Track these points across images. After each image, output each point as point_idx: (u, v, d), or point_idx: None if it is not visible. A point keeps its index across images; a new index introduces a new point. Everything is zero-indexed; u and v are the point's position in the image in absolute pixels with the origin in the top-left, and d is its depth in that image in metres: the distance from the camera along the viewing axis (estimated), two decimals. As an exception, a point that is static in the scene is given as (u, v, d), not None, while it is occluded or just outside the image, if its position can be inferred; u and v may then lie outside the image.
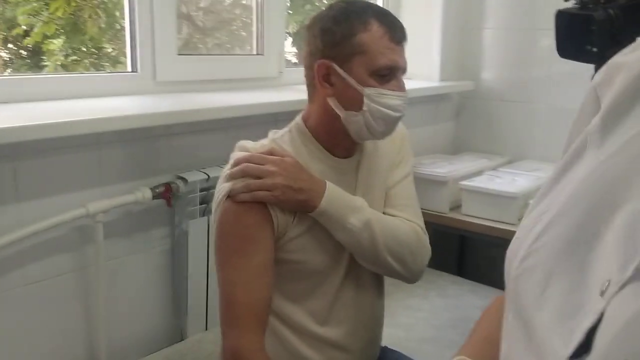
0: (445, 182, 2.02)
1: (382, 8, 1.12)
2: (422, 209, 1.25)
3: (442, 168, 2.09)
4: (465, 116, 2.58)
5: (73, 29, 1.93)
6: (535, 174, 2.10)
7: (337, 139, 1.13)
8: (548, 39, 2.32)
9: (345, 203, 1.09)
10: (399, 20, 1.10)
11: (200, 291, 1.58)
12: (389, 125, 1.10)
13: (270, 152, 1.09)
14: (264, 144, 1.13)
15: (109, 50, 1.92)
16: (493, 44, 2.46)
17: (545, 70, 2.34)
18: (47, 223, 1.26)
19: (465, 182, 2.01)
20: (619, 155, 0.46)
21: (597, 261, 0.43)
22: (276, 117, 1.73)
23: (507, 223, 1.93)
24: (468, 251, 2.53)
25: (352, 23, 1.06)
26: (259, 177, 1.04)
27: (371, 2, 1.14)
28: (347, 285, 1.16)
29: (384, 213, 1.17)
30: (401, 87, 1.09)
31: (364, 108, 1.07)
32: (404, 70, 1.10)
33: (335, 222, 1.08)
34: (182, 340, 1.58)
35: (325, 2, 2.97)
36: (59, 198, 1.31)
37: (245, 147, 1.11)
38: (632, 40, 1.17)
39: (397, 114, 1.09)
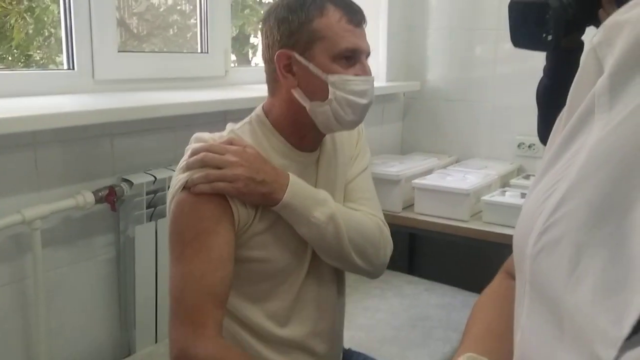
0: (397, 181, 2.01)
1: None
2: (375, 208, 1.22)
3: (393, 167, 2.07)
4: (412, 116, 2.58)
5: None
6: (484, 171, 2.12)
7: (302, 132, 1.08)
8: (490, 40, 2.38)
9: (309, 196, 1.04)
10: (355, 3, 1.07)
11: (148, 301, 1.48)
12: (357, 113, 1.06)
13: (230, 143, 1.02)
14: (222, 134, 1.07)
15: (37, 57, 1.81)
16: (438, 45, 2.48)
17: (489, 70, 2.37)
18: (-22, 231, 1.14)
19: (417, 181, 2.00)
20: (636, 115, 0.43)
21: (635, 229, 0.39)
22: (225, 116, 1.66)
23: (459, 220, 1.93)
24: (417, 250, 2.53)
25: (308, 9, 1.02)
26: (218, 168, 0.98)
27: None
28: (308, 284, 1.11)
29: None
30: (366, 71, 1.05)
31: (330, 97, 1.02)
32: (367, 53, 1.07)
33: (299, 215, 1.02)
34: (130, 354, 1.48)
35: (265, 2, 2.92)
36: (-9, 204, 1.20)
37: (203, 138, 1.05)
38: (584, 27, 1.18)
39: (365, 101, 1.05)
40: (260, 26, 1.10)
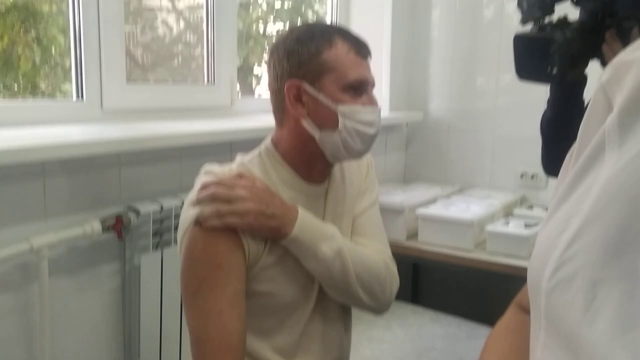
0: (401, 211, 2.01)
1: (343, 26, 1.11)
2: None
3: (397, 196, 2.08)
4: (415, 146, 2.60)
5: (5, 64, 1.84)
6: (487, 200, 2.13)
7: (311, 163, 1.09)
8: (492, 71, 2.41)
9: (317, 230, 1.04)
10: (361, 37, 1.09)
11: (153, 332, 1.47)
12: (365, 142, 1.07)
13: (240, 176, 1.03)
14: (232, 168, 1.08)
15: (42, 86, 1.83)
16: (440, 76, 2.52)
17: (491, 100, 2.40)
18: (-14, 260, 1.15)
19: (421, 210, 2.00)
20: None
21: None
22: (231, 146, 1.68)
23: (464, 250, 1.93)
24: (422, 279, 2.52)
25: (317, 41, 1.04)
26: (228, 202, 0.99)
27: (330, 22, 1.13)
28: (315, 318, 1.11)
29: (351, 241, 1.13)
30: (373, 102, 1.08)
31: (340, 126, 1.04)
32: (373, 84, 1.09)
33: (307, 250, 1.03)
34: (133, 385, 1.47)
35: (269, 35, 2.98)
36: (1, 232, 1.20)
37: (213, 171, 1.05)
38: (587, 61, 1.20)
39: (373, 130, 1.07)
40: (267, 58, 1.12)
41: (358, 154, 1.09)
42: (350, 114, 1.04)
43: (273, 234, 1.01)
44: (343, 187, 1.15)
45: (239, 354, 0.95)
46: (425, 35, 2.52)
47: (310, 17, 2.98)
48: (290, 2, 2.93)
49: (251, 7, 3.02)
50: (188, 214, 1.00)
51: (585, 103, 1.24)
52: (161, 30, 2.32)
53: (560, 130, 1.26)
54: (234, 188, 1.00)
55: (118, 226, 1.35)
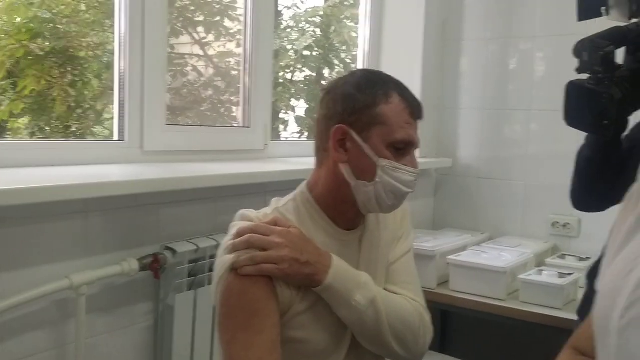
0: (433, 257, 2.00)
1: (402, 83, 1.12)
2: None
3: (428, 243, 2.07)
4: (444, 193, 2.60)
5: (40, 107, 1.91)
6: (518, 249, 2.11)
7: (342, 209, 1.10)
8: (521, 119, 2.42)
9: (351, 278, 1.04)
10: (417, 98, 1.11)
11: (184, 372, 1.47)
12: (398, 199, 1.08)
13: (275, 222, 1.04)
14: (267, 213, 1.09)
15: (74, 129, 1.89)
16: (469, 124, 2.53)
17: (519, 149, 2.40)
18: (28, 296, 1.16)
19: (453, 257, 1.99)
20: None
21: None
22: (264, 188, 1.70)
23: (495, 299, 1.90)
24: (450, 327, 2.47)
25: (375, 93, 1.05)
26: (264, 249, 1.00)
27: (390, 75, 1.14)
28: None
29: (385, 289, 1.13)
30: (415, 164, 1.09)
31: (377, 179, 1.05)
32: (417, 146, 1.10)
33: (341, 298, 1.02)
34: None
35: (297, 81, 3.04)
36: (41, 269, 1.22)
37: (248, 217, 1.07)
38: (638, 107, 1.18)
39: (408, 190, 1.08)
40: (321, 95, 1.13)
41: (389, 209, 1.10)
42: (390, 170, 1.05)
43: (307, 281, 1.01)
44: (378, 234, 1.16)
45: None
46: (454, 83, 2.55)
47: (337, 65, 3.05)
48: (318, 51, 3.01)
49: (280, 55, 3.11)
50: (223, 260, 1.01)
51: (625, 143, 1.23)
52: (192, 76, 2.40)
53: (598, 171, 1.25)
54: (269, 235, 1.01)
55: (155, 265, 1.37)
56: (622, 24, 1.16)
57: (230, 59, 2.31)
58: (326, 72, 3.09)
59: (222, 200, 1.62)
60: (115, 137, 1.59)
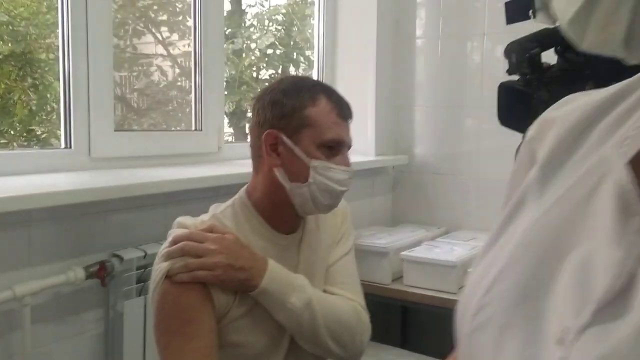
0: (386, 253, 2.03)
1: (330, 86, 1.16)
2: (364, 280, 1.24)
3: (382, 239, 2.11)
4: (401, 189, 2.64)
5: (1, 111, 1.88)
6: (471, 242, 2.15)
7: (281, 213, 1.12)
8: (474, 115, 2.47)
9: (286, 282, 1.06)
10: (345, 99, 1.14)
11: (136, 377, 1.48)
12: (334, 198, 1.11)
13: (210, 229, 1.06)
14: (204, 220, 1.11)
15: (38, 132, 1.88)
16: (424, 121, 2.58)
17: (473, 144, 2.46)
18: (-31, 308, 1.16)
19: (405, 253, 2.03)
20: (561, 204, 0.48)
21: (550, 310, 0.43)
22: (217, 192, 1.71)
23: (448, 292, 1.95)
24: (411, 322, 2.52)
25: (302, 97, 1.08)
26: (198, 256, 1.01)
27: (319, 80, 1.17)
28: None
29: (324, 290, 1.15)
30: (347, 162, 1.12)
31: (310, 180, 1.07)
32: (349, 146, 1.13)
33: (276, 301, 1.05)
34: None
35: (261, 79, 3.05)
36: (-17, 280, 1.22)
37: (184, 224, 1.09)
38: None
39: (343, 188, 1.11)
40: (252, 103, 1.16)
41: (326, 209, 1.12)
42: (322, 170, 1.07)
43: (242, 286, 1.03)
44: (317, 237, 1.18)
45: None
46: (408, 82, 2.59)
47: (302, 63, 3.06)
48: (282, 50, 3.02)
49: (244, 54, 3.11)
50: (159, 267, 1.03)
51: None
52: (156, 76, 2.39)
53: None
54: (203, 242, 1.02)
55: (101, 273, 1.37)
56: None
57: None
58: (292, 70, 3.11)
59: (172, 206, 1.62)
60: (62, 144, 1.59)
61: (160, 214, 1.60)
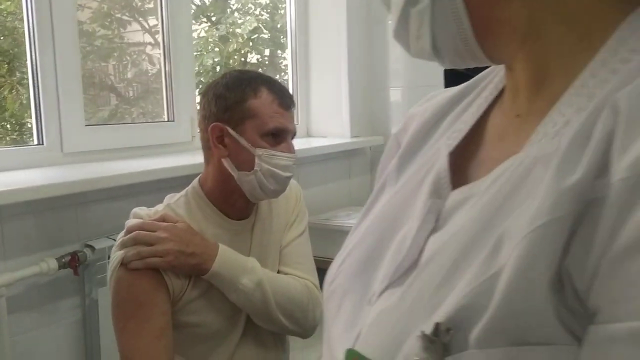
0: (358, 233, 2.09)
1: (271, 77, 1.21)
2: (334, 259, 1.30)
3: (354, 219, 2.16)
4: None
5: None
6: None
7: (232, 200, 1.18)
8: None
9: (237, 264, 1.13)
10: (287, 89, 1.20)
11: (115, 360, 1.55)
12: (280, 183, 1.17)
13: (163, 219, 1.13)
14: (158, 210, 1.17)
15: (29, 125, 1.92)
16: (399, 102, 2.62)
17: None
18: (-55, 301, 1.23)
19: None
20: (403, 189, 0.55)
21: (376, 278, 0.50)
22: (189, 180, 1.76)
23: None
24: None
25: (244, 90, 1.14)
26: (150, 244, 1.08)
27: (261, 72, 1.23)
28: (245, 345, 1.20)
29: (278, 271, 1.22)
30: (290, 149, 1.17)
31: (256, 167, 1.13)
32: (293, 133, 1.19)
33: (228, 283, 1.11)
34: (97, 414, 1.54)
35: (232, 65, 3.08)
36: (-42, 275, 1.29)
37: (139, 215, 1.15)
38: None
39: (287, 174, 1.17)
40: (200, 97, 1.22)
41: (274, 193, 1.18)
42: (267, 157, 1.13)
43: (194, 270, 1.10)
44: (270, 221, 1.24)
45: None
46: (383, 62, 2.63)
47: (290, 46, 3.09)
48: (268, 33, 3.05)
49: (229, 40, 3.15)
50: (115, 256, 1.09)
51: None
52: (144, 65, 2.43)
53: None
54: (155, 230, 1.09)
55: (73, 263, 1.44)
56: None
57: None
58: (280, 53, 3.14)
59: (144, 196, 1.68)
60: (35, 141, 1.64)
61: (133, 204, 1.65)
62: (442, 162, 0.51)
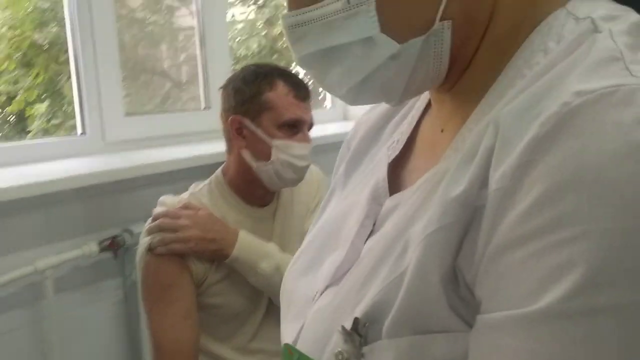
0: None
1: (287, 70, 1.25)
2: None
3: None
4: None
5: (54, 93, 2.05)
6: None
7: (252, 189, 1.24)
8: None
9: (256, 250, 1.18)
10: (303, 81, 1.23)
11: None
12: (297, 172, 1.21)
13: (186, 206, 1.19)
14: (182, 198, 1.24)
15: None
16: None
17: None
18: (-2, 282, 1.35)
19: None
20: (350, 193, 0.58)
21: (319, 278, 0.55)
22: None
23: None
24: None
25: (260, 83, 1.19)
26: (174, 231, 1.15)
27: (278, 65, 1.27)
28: (268, 323, 1.26)
29: None
30: (307, 139, 1.21)
31: (273, 158, 1.18)
32: (310, 124, 1.23)
33: (247, 268, 1.17)
34: (139, 387, 1.65)
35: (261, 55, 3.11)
36: (9, 257, 1.40)
37: (165, 202, 1.23)
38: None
39: (304, 163, 1.21)
40: (221, 91, 1.27)
41: (292, 182, 1.23)
42: (283, 148, 1.18)
43: (215, 255, 1.16)
44: (291, 207, 1.29)
45: (191, 357, 1.12)
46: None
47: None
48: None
49: (274, 22, 3.19)
50: (142, 242, 1.17)
51: None
52: (194, 50, 2.50)
53: None
54: (178, 218, 1.16)
55: (113, 246, 1.54)
56: None
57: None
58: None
59: (181, 182, 1.73)
60: (79, 131, 1.75)
61: (170, 190, 1.73)
62: (382, 172, 0.55)
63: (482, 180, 0.39)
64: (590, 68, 0.38)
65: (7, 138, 1.96)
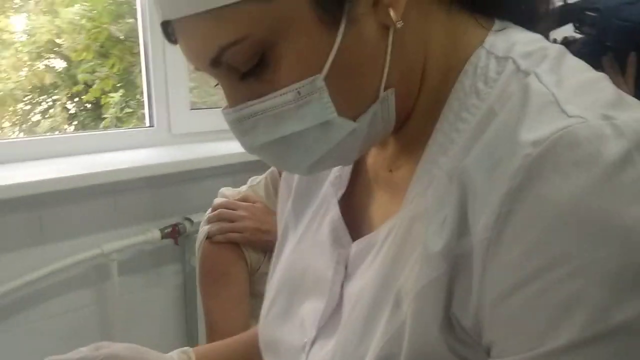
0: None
1: None
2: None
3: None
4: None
5: (127, 83, 2.16)
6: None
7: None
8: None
9: None
10: None
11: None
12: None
13: (244, 198, 1.24)
14: (241, 190, 1.29)
15: None
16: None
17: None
18: (67, 262, 1.45)
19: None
20: (305, 235, 0.60)
21: (302, 326, 0.57)
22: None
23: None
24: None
25: None
26: (232, 221, 1.20)
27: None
28: None
29: None
30: None
31: None
32: None
33: None
34: (195, 368, 1.72)
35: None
36: (79, 240, 1.50)
37: (224, 194, 1.28)
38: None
39: None
40: None
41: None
42: None
43: (269, 246, 1.20)
44: None
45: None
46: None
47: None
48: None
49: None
50: (202, 230, 1.23)
51: None
52: None
53: None
54: (236, 209, 1.21)
55: (174, 234, 1.62)
56: None
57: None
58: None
59: (240, 175, 1.79)
60: (147, 123, 1.84)
61: (228, 181, 1.80)
62: (334, 210, 0.57)
63: (460, 232, 0.43)
64: (533, 117, 0.41)
65: (83, 125, 2.08)
